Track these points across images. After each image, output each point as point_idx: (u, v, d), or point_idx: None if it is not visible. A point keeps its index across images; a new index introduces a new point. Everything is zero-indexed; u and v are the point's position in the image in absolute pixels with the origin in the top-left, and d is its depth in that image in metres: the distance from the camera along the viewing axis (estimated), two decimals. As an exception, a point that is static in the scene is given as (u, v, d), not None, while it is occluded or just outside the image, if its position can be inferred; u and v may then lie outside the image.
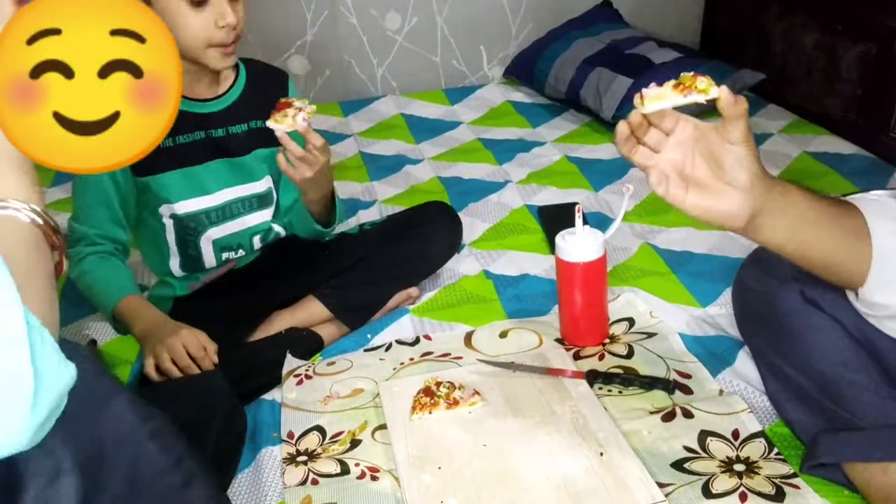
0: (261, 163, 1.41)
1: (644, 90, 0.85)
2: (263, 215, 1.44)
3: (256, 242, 1.45)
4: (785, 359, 1.07)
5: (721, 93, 0.81)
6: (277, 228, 1.48)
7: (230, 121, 1.37)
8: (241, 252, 1.44)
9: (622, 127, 0.87)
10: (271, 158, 1.40)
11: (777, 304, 1.07)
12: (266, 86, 1.42)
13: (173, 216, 1.36)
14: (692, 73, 0.84)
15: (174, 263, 1.41)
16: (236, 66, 1.40)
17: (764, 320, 1.11)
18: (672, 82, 0.85)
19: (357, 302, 1.45)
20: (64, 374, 0.60)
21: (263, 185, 1.42)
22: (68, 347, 0.63)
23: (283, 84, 1.45)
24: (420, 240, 1.51)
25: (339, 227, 1.53)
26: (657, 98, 0.85)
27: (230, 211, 1.40)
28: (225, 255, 1.43)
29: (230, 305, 1.40)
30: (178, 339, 1.22)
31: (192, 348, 1.22)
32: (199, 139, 1.34)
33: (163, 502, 0.77)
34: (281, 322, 1.42)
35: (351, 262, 1.48)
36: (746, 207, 0.84)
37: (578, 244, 1.27)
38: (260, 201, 1.43)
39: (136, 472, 0.75)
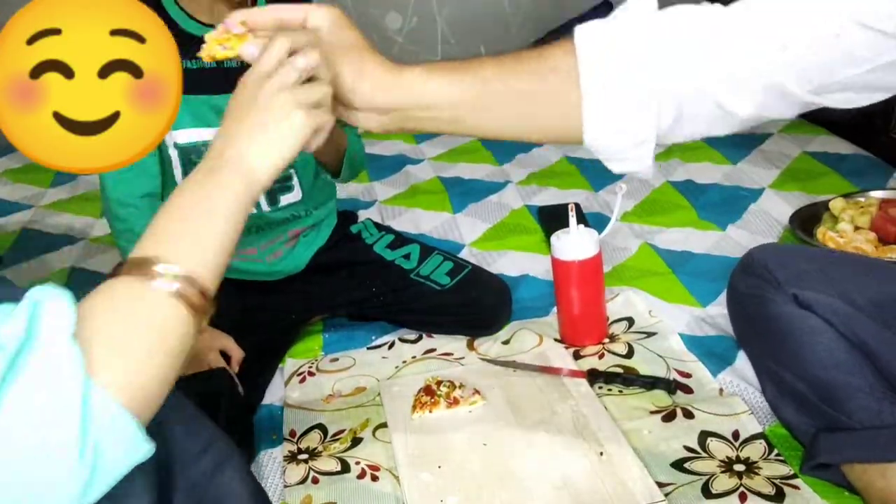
0: None
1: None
2: None
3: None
4: (780, 363, 1.07)
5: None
6: (295, 181, 1.36)
7: None
8: None
9: None
10: None
11: (770, 308, 1.08)
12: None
13: (177, 146, 1.28)
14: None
15: None
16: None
17: (758, 325, 1.12)
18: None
19: None
20: (133, 455, 0.57)
21: None
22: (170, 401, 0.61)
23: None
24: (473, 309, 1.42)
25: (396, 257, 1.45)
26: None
27: None
28: None
29: (266, 321, 1.37)
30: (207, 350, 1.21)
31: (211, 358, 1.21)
32: (209, 67, 1.20)
33: (194, 490, 0.76)
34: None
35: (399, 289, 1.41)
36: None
37: (573, 243, 1.27)
38: None
39: (168, 460, 0.74)
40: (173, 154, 1.30)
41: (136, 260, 0.64)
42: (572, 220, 1.28)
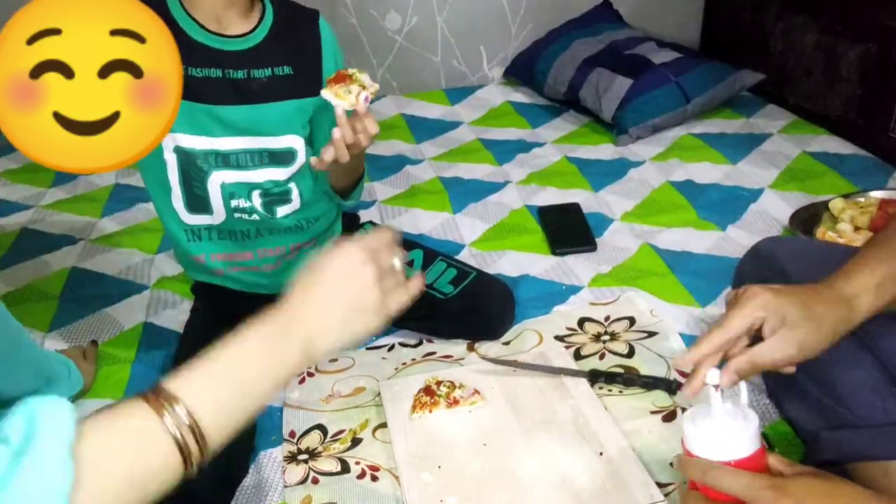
0: (284, 116, 1.25)
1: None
2: (274, 173, 1.27)
3: (256, 198, 1.28)
4: None
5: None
6: (295, 194, 1.31)
7: (253, 63, 1.21)
8: (252, 202, 1.28)
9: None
10: (300, 112, 1.26)
11: None
12: (296, 28, 1.27)
13: (177, 150, 1.23)
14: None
15: (179, 205, 1.28)
16: (262, 5, 1.26)
17: None
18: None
19: None
20: None
21: (282, 142, 1.26)
22: None
23: (313, 26, 1.29)
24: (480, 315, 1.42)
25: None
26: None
27: (235, 160, 1.25)
28: (234, 203, 1.27)
29: None
30: None
31: None
32: (215, 77, 1.20)
33: None
34: None
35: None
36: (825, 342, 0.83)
37: (720, 431, 0.79)
38: (272, 158, 1.26)
39: None
40: (170, 158, 1.25)
41: (163, 390, 0.63)
42: (714, 394, 0.80)
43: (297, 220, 1.33)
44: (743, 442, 0.77)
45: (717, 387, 0.81)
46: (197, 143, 1.23)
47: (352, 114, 1.11)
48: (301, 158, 1.28)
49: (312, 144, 1.30)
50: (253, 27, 1.23)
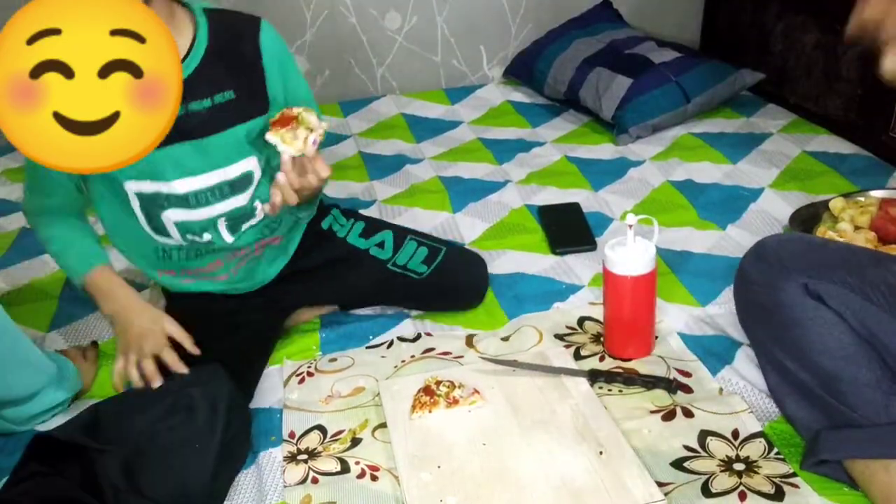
0: (234, 144, 1.19)
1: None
2: (237, 201, 1.23)
3: (222, 225, 1.25)
4: (786, 352, 1.07)
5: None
6: (259, 211, 1.27)
7: (190, 96, 1.11)
8: (206, 237, 1.25)
9: None
10: (251, 134, 1.20)
11: (780, 296, 1.07)
12: (234, 46, 1.17)
13: (137, 195, 1.20)
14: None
15: (146, 226, 1.24)
16: (194, 23, 1.15)
17: (766, 313, 1.11)
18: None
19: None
20: None
21: (237, 169, 1.20)
22: None
23: (253, 39, 1.19)
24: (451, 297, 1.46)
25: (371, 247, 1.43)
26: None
27: (195, 200, 1.20)
28: (190, 237, 1.25)
29: (245, 323, 1.32)
30: (145, 339, 1.16)
31: (157, 348, 1.16)
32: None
33: None
34: (300, 318, 1.45)
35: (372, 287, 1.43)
36: None
37: (629, 257, 1.21)
38: (232, 188, 1.21)
39: None
40: (133, 200, 1.21)
41: None
42: (630, 233, 1.22)
43: (261, 228, 1.31)
44: (642, 264, 1.21)
45: (630, 226, 1.21)
46: (151, 187, 1.18)
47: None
48: (258, 174, 1.24)
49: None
50: (185, 53, 1.13)
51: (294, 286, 1.40)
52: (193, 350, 1.20)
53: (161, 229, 1.24)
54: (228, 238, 1.27)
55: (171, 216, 1.21)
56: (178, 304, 1.35)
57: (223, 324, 1.30)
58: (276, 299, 1.39)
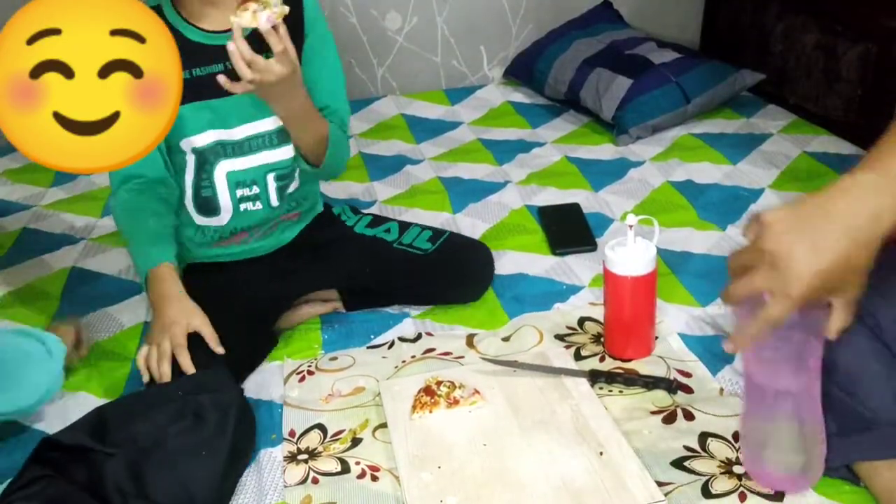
0: None
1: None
2: (283, 152, 1.37)
3: (271, 182, 1.38)
4: None
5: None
6: (297, 171, 1.42)
7: (263, 49, 1.22)
8: (255, 189, 1.37)
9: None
10: None
11: None
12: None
13: (194, 150, 1.33)
14: None
15: (190, 206, 1.38)
16: None
17: None
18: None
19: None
20: None
21: None
22: None
23: (297, 2, 1.34)
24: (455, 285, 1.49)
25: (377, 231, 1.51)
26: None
27: (248, 146, 1.35)
28: (240, 193, 1.37)
29: (252, 294, 1.37)
30: (167, 330, 1.20)
31: (174, 344, 1.19)
32: (219, 71, 1.23)
33: None
34: (303, 313, 1.46)
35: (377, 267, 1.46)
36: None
37: (629, 257, 1.22)
38: (279, 137, 1.36)
39: None
40: (189, 159, 1.33)
41: None
42: (630, 233, 1.22)
43: (289, 203, 1.43)
44: (642, 264, 1.22)
45: (631, 227, 1.21)
46: (215, 136, 1.31)
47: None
48: None
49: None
50: None
51: (302, 261, 1.45)
52: (218, 350, 1.23)
53: (206, 201, 1.36)
54: (275, 201, 1.40)
55: (226, 167, 1.34)
56: (194, 281, 1.38)
57: (232, 293, 1.36)
58: (285, 270, 1.44)
